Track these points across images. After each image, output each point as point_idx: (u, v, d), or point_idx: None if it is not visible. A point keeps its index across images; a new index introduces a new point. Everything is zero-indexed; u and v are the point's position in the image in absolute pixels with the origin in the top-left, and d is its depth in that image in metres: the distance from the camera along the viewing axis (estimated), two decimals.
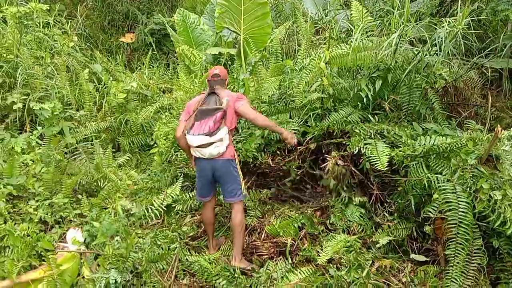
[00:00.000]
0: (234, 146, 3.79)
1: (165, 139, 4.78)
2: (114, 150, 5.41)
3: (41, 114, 4.85)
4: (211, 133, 3.39)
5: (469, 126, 3.87)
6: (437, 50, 3.92)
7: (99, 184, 4.64)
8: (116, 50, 8.00)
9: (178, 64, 6.62)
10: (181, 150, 4.65)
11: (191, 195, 4.38)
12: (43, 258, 3.56)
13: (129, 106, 5.70)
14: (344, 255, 3.48)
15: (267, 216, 4.12)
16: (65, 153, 5.05)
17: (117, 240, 3.62)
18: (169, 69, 7.23)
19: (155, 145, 4.98)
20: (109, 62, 6.88)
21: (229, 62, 5.74)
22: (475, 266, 3.18)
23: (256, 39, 5.44)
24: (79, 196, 4.41)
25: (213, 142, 3.40)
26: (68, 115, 5.36)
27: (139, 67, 7.29)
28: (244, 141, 4.32)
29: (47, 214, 4.01)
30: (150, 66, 7.14)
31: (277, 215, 4.06)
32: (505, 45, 5.58)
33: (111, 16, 8.41)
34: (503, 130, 3.28)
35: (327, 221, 3.94)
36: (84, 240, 3.75)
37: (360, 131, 3.92)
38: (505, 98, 5.87)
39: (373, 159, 3.64)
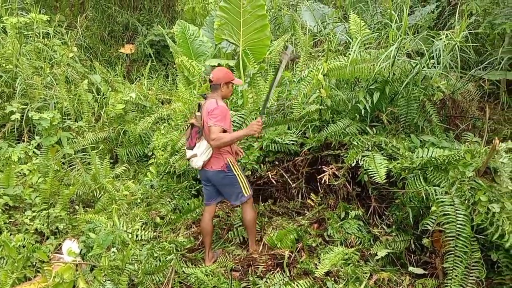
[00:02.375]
0: (232, 155, 3.70)
1: (163, 150, 4.77)
2: (111, 160, 5.41)
3: (39, 124, 4.85)
4: (192, 147, 3.54)
5: (466, 139, 3.88)
6: (434, 63, 3.93)
7: (96, 195, 4.62)
8: (116, 61, 8.03)
9: (177, 75, 6.65)
10: (178, 161, 4.67)
11: (190, 206, 4.37)
12: (38, 269, 3.52)
13: (128, 117, 5.71)
14: (342, 268, 3.45)
15: (265, 228, 4.11)
16: (63, 163, 5.04)
17: (113, 252, 3.59)
18: (168, 80, 7.26)
19: (153, 156, 4.97)
20: (108, 72, 6.90)
21: None
22: (473, 280, 3.15)
23: (255, 51, 5.48)
24: (76, 207, 4.39)
25: (190, 157, 3.55)
26: (66, 125, 5.36)
27: (138, 78, 7.32)
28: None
29: (43, 224, 3.99)
30: (149, 77, 7.17)
31: (274, 226, 4.04)
32: (503, 58, 5.62)
33: (111, 27, 8.46)
34: (500, 143, 3.28)
35: (324, 233, 3.92)
36: (80, 251, 3.73)
37: (358, 143, 3.92)
38: (503, 110, 5.88)
39: (371, 171, 3.64)
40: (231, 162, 3.61)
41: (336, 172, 4.03)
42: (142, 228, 4.09)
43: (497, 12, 6.18)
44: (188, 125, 3.69)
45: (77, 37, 7.57)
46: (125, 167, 5.22)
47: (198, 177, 3.89)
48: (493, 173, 3.38)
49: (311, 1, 7.97)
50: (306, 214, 4.18)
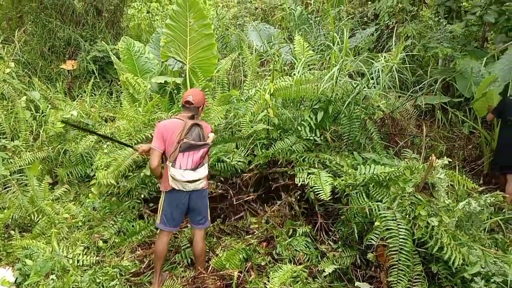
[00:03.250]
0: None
1: (106, 170, 4.60)
2: (51, 181, 5.13)
3: None
4: (197, 168, 3.37)
5: (406, 155, 4.07)
6: (374, 83, 4.12)
7: (34, 218, 4.35)
8: (56, 77, 7.70)
9: (121, 92, 6.48)
10: (124, 181, 4.51)
11: (135, 228, 4.23)
12: None
13: (69, 136, 5.45)
14: (291, 286, 3.46)
15: (214, 249, 4.04)
16: None
17: (52, 279, 3.38)
18: (112, 97, 7.05)
19: (95, 176, 4.77)
20: (48, 89, 6.60)
21: (175, 91, 5.70)
22: None
23: (202, 69, 5.47)
24: (12, 232, 4.11)
25: (200, 179, 3.41)
26: (1, 144, 5.04)
27: (80, 95, 7.05)
28: None
29: None
30: (92, 94, 6.92)
31: (223, 247, 3.99)
32: (437, 79, 6.01)
33: (51, 42, 8.13)
34: (437, 159, 3.47)
35: (273, 251, 3.93)
36: (15, 280, 3.48)
37: (304, 161, 4.00)
38: (438, 128, 6.26)
39: (317, 188, 3.71)
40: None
41: (283, 190, 4.07)
42: (84, 253, 3.89)
43: (430, 36, 6.62)
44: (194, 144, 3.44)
45: (15, 52, 7.21)
46: (66, 188, 4.96)
47: (167, 200, 3.63)
48: (431, 188, 3.57)
49: (257, 22, 8.13)
50: (255, 233, 4.17)
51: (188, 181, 3.37)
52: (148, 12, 10.96)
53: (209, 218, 3.71)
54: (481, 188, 4.11)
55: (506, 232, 4.48)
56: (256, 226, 4.13)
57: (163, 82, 5.72)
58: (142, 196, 4.50)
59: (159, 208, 3.63)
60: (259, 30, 7.12)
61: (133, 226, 4.32)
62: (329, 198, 3.61)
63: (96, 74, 7.54)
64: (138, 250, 4.13)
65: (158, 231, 3.84)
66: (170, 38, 5.20)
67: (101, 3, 8.60)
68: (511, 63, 6.02)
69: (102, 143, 5.22)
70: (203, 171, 3.43)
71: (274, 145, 4.27)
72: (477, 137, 6.33)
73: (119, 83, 6.96)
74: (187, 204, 3.53)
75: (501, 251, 3.61)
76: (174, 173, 3.33)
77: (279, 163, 4.21)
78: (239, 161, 4.18)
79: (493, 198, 3.61)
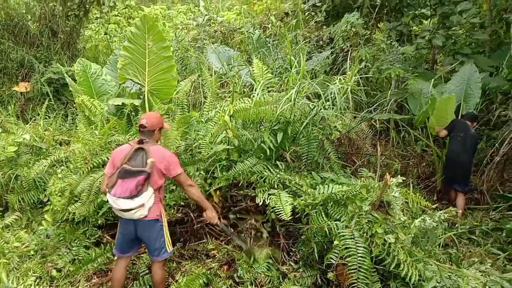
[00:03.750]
0: (162, 202, 3.53)
1: (60, 196, 4.43)
2: (1, 209, 4.88)
3: None
4: (132, 197, 3.17)
5: (362, 174, 4.17)
6: (330, 105, 4.23)
7: None
8: (8, 99, 7.43)
9: (77, 115, 6.31)
10: (80, 207, 4.35)
11: (91, 255, 4.07)
12: None
13: (21, 160, 5.24)
14: None
15: (174, 274, 3.95)
16: None
17: None
18: (67, 120, 6.85)
19: (49, 202, 4.58)
20: (0, 112, 6.34)
21: (133, 113, 5.61)
22: None
23: (162, 91, 5.42)
24: None
25: (133, 208, 3.19)
26: None
27: (33, 118, 6.81)
28: None
29: None
30: (47, 116, 6.71)
31: (183, 272, 3.91)
32: (390, 100, 6.26)
33: (3, 63, 7.86)
34: (391, 178, 3.58)
35: (234, 274, 3.89)
36: None
37: (264, 182, 4.02)
38: (393, 147, 6.49)
39: (278, 209, 3.72)
40: (163, 211, 3.46)
41: (246, 211, 4.07)
42: (36, 283, 3.72)
43: (383, 58, 6.92)
44: (122, 170, 3.25)
45: None
46: (17, 215, 4.73)
47: (116, 227, 3.53)
48: (386, 206, 3.67)
49: (217, 44, 8.21)
50: (216, 256, 4.11)
51: (122, 210, 3.20)
52: (105, 33, 10.85)
53: (167, 250, 3.47)
54: (435, 205, 4.27)
55: (459, 247, 4.66)
56: (216, 250, 4.08)
57: (120, 104, 5.62)
58: (100, 222, 4.36)
59: None
60: (219, 52, 7.19)
61: (88, 253, 4.17)
62: (290, 218, 3.63)
63: (51, 97, 7.34)
64: (94, 278, 3.98)
65: (115, 257, 3.72)
66: (128, 60, 5.15)
67: (57, 25, 8.44)
68: (461, 84, 6.40)
69: (56, 167, 5.04)
70: (140, 200, 3.19)
71: (235, 167, 4.27)
72: (429, 155, 6.61)
73: (74, 105, 6.79)
74: (134, 233, 3.39)
75: (455, 266, 3.73)
76: (109, 200, 3.22)
77: (240, 185, 4.21)
78: (198, 183, 4.13)
79: (447, 214, 3.75)
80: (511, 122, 6.11)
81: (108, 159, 3.62)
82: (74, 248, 4.23)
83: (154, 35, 5.03)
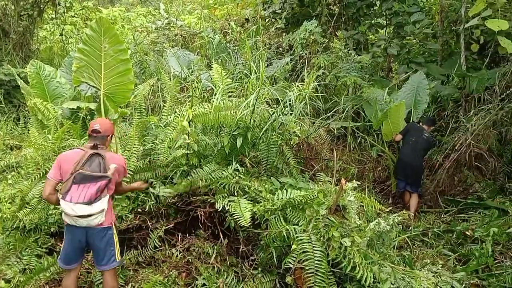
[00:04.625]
0: (113, 210, 3.48)
1: (10, 203, 4.23)
2: None
3: None
4: (92, 202, 3.08)
5: (320, 179, 4.25)
6: (289, 111, 4.30)
7: None
8: None
9: (29, 119, 6.06)
10: (31, 214, 4.18)
11: (43, 264, 3.91)
12: None
13: None
14: None
15: (130, 282, 3.85)
16: None
17: None
18: (19, 124, 6.57)
19: None
20: None
21: (88, 117, 5.45)
22: None
23: (118, 95, 5.30)
24: None
25: (93, 214, 3.11)
26: None
27: None
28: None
29: None
30: None
31: (139, 279, 3.82)
32: (347, 106, 6.43)
33: None
34: (347, 182, 3.67)
35: (193, 282, 3.84)
36: None
37: (224, 188, 4.01)
38: (350, 152, 6.65)
39: (237, 215, 3.72)
40: (114, 218, 3.39)
41: (205, 218, 4.04)
42: None
43: (341, 66, 7.10)
44: (80, 175, 3.15)
45: None
46: None
47: (66, 235, 3.38)
48: (342, 210, 3.75)
49: (177, 48, 8.13)
50: (174, 264, 4.05)
51: (80, 216, 3.10)
52: (61, 34, 10.50)
53: (117, 259, 3.37)
54: (389, 208, 4.40)
55: (413, 249, 4.84)
56: (174, 257, 4.02)
57: (75, 107, 5.45)
58: (52, 229, 4.19)
59: None
60: (178, 56, 7.12)
61: (40, 262, 3.99)
62: (250, 224, 3.64)
63: (1, 99, 7.01)
64: None
65: None
66: (83, 62, 5.00)
67: (8, 24, 8.10)
68: (411, 92, 6.71)
69: (6, 173, 4.82)
70: (100, 205, 3.13)
71: (194, 172, 4.23)
72: (385, 160, 6.83)
73: (27, 108, 6.52)
74: (85, 241, 3.27)
75: (408, 267, 3.86)
76: (64, 206, 3.10)
77: (199, 191, 4.18)
78: (158, 190, 4.08)
79: (400, 217, 3.88)
80: (461, 129, 6.43)
81: None
82: (25, 257, 4.03)
83: (110, 37, 4.92)
